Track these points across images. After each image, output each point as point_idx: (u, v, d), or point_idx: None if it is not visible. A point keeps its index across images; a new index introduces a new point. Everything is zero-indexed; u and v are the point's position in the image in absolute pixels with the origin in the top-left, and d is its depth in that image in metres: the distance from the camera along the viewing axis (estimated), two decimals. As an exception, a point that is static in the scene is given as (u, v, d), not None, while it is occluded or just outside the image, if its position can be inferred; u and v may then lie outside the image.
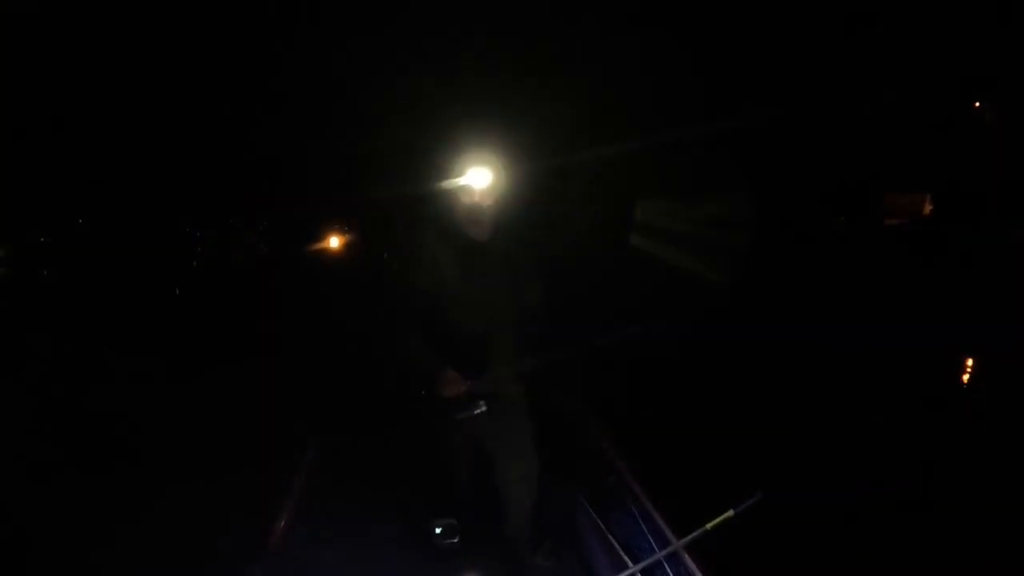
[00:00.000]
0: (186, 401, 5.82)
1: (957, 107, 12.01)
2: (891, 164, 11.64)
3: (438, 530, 2.72)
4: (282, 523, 3.05)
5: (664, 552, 2.64)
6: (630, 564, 2.62)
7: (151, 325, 9.08)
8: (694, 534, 2.54)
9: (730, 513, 2.43)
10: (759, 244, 9.99)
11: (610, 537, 2.87)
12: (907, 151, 11.67)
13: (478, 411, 2.64)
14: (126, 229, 12.78)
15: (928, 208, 10.70)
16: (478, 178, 2.56)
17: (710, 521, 2.48)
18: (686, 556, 2.66)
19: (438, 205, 2.66)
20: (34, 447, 4.92)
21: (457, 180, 2.56)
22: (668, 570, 2.62)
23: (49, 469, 4.56)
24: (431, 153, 2.87)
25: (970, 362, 6.31)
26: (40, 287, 11.89)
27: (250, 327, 8.79)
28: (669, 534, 2.86)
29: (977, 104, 12.34)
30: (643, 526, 2.96)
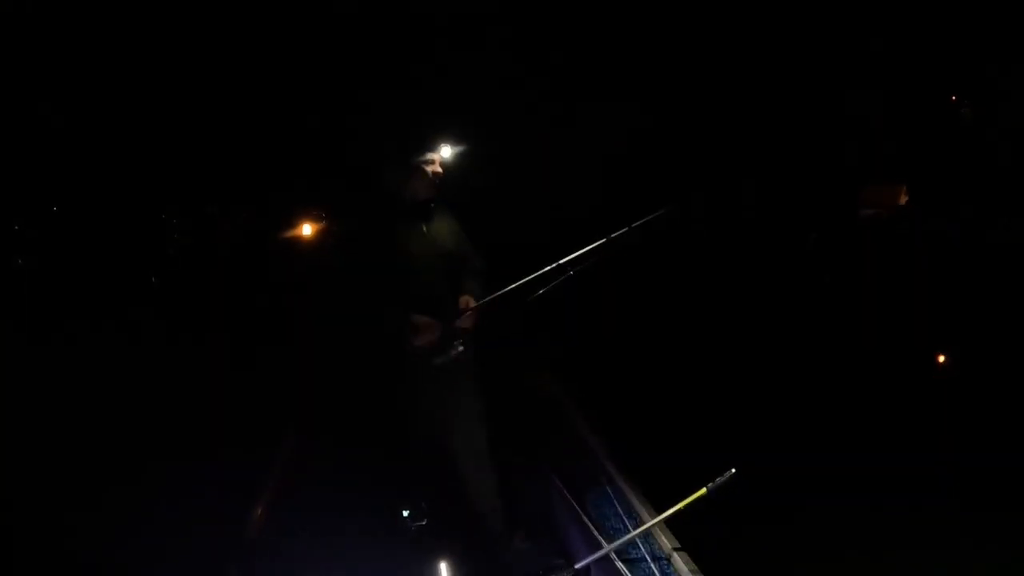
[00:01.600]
0: (161, 390, 5.74)
1: (934, 99, 12.12)
2: (867, 154, 11.73)
3: (406, 513, 2.71)
4: (256, 513, 3.02)
5: (638, 531, 2.65)
6: (605, 544, 2.61)
7: (128, 312, 8.94)
8: (668, 512, 2.54)
9: (703, 491, 2.42)
10: (735, 231, 10.02)
11: (585, 518, 2.86)
12: (883, 142, 11.77)
13: (455, 351, 2.71)
14: (101, 216, 12.55)
15: (904, 199, 10.77)
16: (444, 150, 2.80)
17: (684, 499, 2.48)
18: (660, 535, 2.67)
19: (387, 175, 2.82)
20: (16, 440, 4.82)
21: (426, 152, 2.77)
22: (643, 549, 2.62)
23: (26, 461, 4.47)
24: (397, 129, 2.93)
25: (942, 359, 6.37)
26: (15, 276, 11.66)
27: (226, 314, 8.69)
28: (643, 513, 2.87)
29: (954, 97, 12.46)
30: (617, 506, 2.97)
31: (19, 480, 4.23)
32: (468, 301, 2.81)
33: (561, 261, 2.81)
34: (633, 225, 2.89)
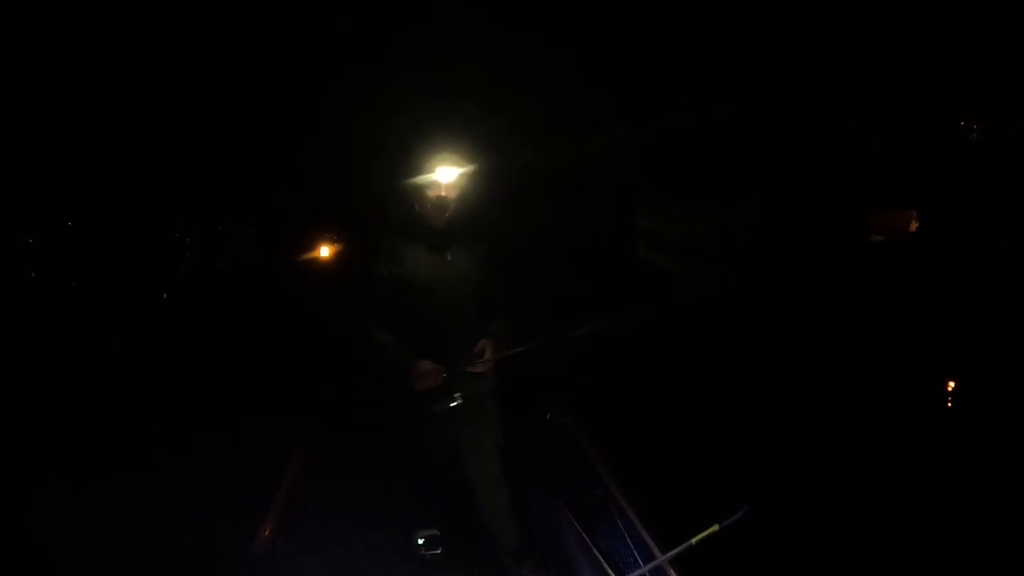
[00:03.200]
0: (170, 401, 5.77)
1: (944, 122, 12.11)
2: (876, 180, 11.72)
3: (421, 541, 2.70)
4: (266, 530, 3.02)
5: (649, 566, 2.64)
6: (614, 577, 2.61)
7: (138, 327, 9.00)
8: (679, 548, 2.53)
9: (716, 527, 2.42)
10: (748, 250, 10.02)
11: (595, 550, 2.86)
12: (892, 167, 11.76)
13: (454, 403, 2.62)
14: (114, 231, 12.66)
15: (914, 225, 10.74)
16: (446, 173, 2.70)
17: (695, 535, 2.47)
18: (671, 571, 2.66)
19: (400, 199, 2.77)
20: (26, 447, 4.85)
21: (426, 174, 2.69)
22: (652, 584, 2.61)
23: (37, 469, 4.50)
24: (400, 150, 2.92)
25: (954, 383, 6.33)
26: (30, 289, 11.76)
27: (236, 329, 8.74)
28: (654, 548, 2.85)
29: (963, 122, 12.45)
30: (628, 540, 2.95)
31: (26, 484, 4.25)
32: (487, 347, 2.72)
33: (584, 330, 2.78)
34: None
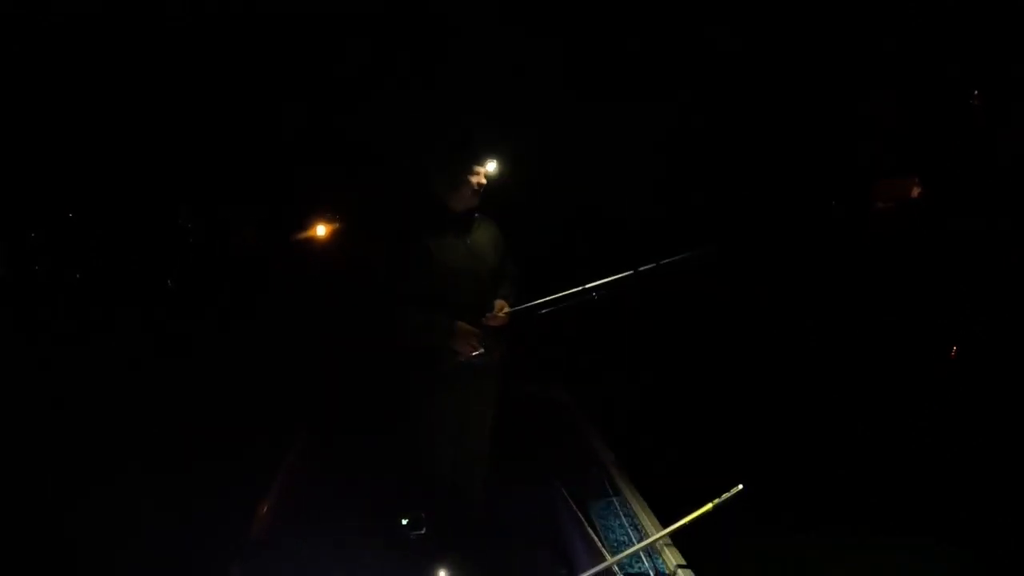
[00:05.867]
0: (174, 389, 5.77)
1: (948, 94, 11.92)
2: (881, 148, 11.56)
3: (404, 521, 2.71)
4: (263, 513, 3.02)
5: (641, 545, 2.61)
6: (608, 557, 2.58)
7: (144, 316, 8.99)
8: (673, 526, 2.51)
9: (710, 506, 2.39)
10: (752, 229, 9.92)
11: (589, 530, 2.83)
12: (897, 136, 11.60)
13: (482, 354, 2.75)
14: (117, 221, 12.65)
15: (917, 191, 10.58)
16: (490, 163, 2.83)
17: (690, 514, 2.44)
18: (665, 549, 2.63)
19: (437, 185, 2.81)
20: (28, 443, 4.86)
21: (472, 161, 2.77)
22: (647, 564, 2.59)
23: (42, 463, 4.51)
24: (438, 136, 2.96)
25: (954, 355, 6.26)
26: (32, 281, 11.81)
27: (239, 315, 8.74)
28: (649, 527, 2.83)
29: (974, 93, 12.23)
30: (623, 519, 2.93)
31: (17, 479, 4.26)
32: (502, 305, 2.83)
33: (589, 285, 2.85)
34: (662, 263, 2.93)
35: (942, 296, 7.12)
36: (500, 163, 2.92)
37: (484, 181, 2.80)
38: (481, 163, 2.79)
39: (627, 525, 2.88)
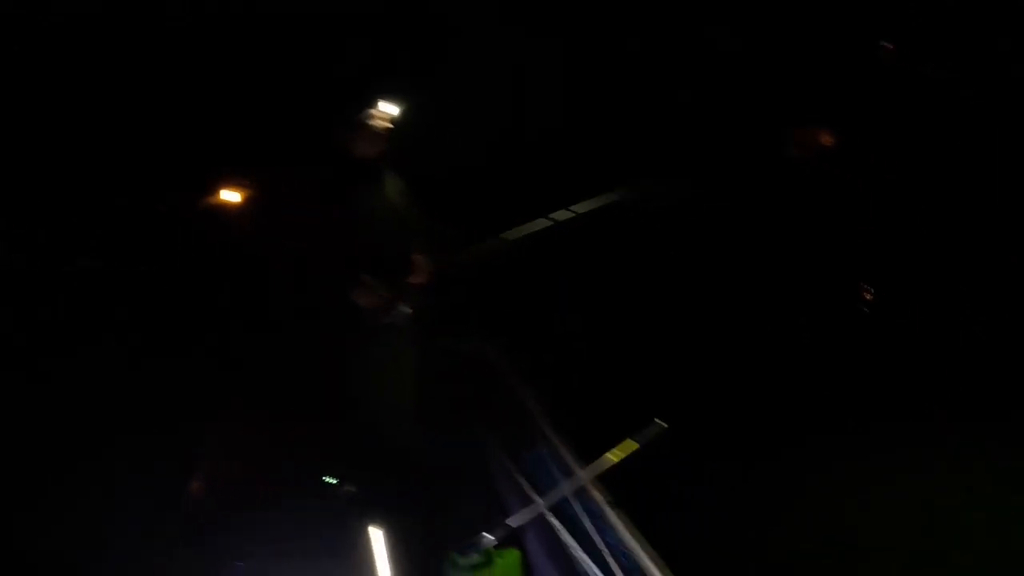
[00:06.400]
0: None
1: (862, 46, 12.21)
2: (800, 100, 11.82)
3: (333, 481, 2.67)
4: (193, 488, 2.94)
5: (571, 485, 2.65)
6: (538, 501, 2.61)
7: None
8: (598, 463, 2.55)
9: (633, 444, 2.44)
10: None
11: (518, 476, 2.86)
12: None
13: (402, 311, 2.70)
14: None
15: (828, 140, 10.91)
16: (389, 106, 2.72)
17: (613, 453, 2.49)
18: (594, 491, 2.68)
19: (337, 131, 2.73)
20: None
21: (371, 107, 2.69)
22: (575, 504, 2.63)
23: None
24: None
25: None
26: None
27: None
28: (579, 472, 2.87)
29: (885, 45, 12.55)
30: (551, 464, 2.97)
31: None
32: (420, 260, 2.79)
33: (507, 235, 2.82)
34: (576, 210, 2.91)
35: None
36: (401, 108, 2.78)
37: (388, 126, 2.73)
38: (380, 107, 2.71)
39: (554, 469, 2.92)
